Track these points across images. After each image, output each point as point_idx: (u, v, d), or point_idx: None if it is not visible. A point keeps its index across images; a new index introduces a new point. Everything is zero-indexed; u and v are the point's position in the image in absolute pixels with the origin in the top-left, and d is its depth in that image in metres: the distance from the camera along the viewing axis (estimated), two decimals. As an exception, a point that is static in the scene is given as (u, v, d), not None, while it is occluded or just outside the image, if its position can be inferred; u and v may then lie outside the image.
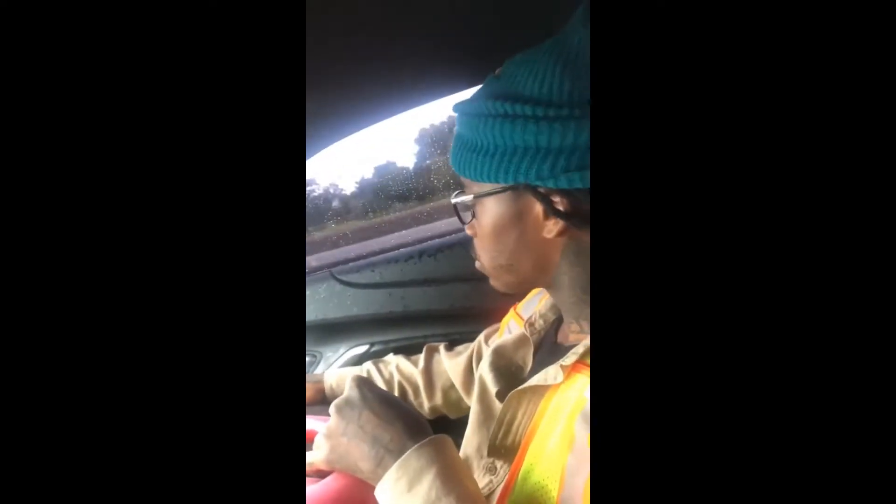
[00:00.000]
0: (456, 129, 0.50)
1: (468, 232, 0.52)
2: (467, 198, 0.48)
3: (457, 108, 0.49)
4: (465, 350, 0.73)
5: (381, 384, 0.74)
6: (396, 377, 0.74)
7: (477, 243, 0.51)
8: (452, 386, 0.72)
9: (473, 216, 0.49)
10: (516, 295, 0.65)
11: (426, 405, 0.73)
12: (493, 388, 0.55)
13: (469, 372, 0.70)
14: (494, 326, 0.69)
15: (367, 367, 0.76)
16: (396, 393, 0.73)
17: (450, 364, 0.72)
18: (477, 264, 0.53)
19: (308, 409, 0.65)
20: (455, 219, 0.52)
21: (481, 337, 0.71)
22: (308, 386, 0.74)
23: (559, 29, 0.45)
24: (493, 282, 0.52)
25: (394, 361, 0.76)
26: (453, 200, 0.50)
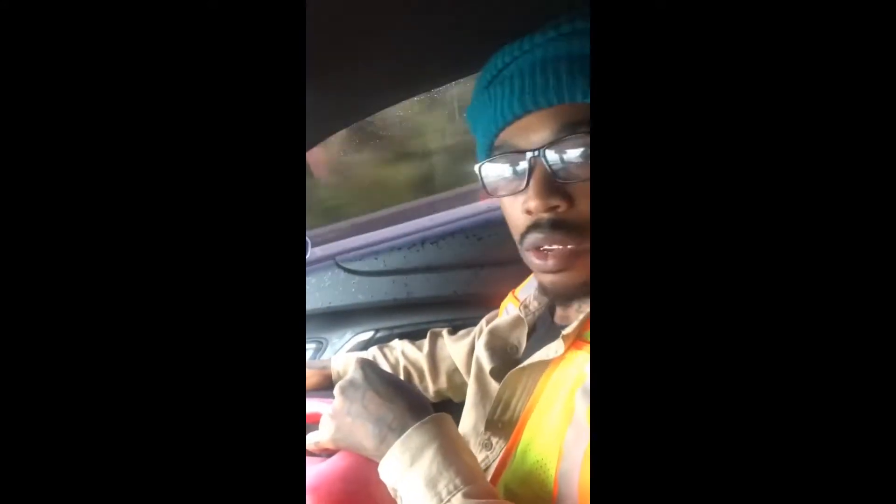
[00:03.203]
0: (578, 47, 0.40)
1: (541, 204, 0.41)
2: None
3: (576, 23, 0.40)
4: (467, 334, 0.74)
5: (387, 369, 0.76)
6: (402, 362, 0.76)
7: (584, 211, 0.41)
8: (456, 370, 0.73)
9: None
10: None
11: (431, 388, 0.74)
12: (487, 367, 0.56)
13: (471, 355, 0.71)
14: (495, 312, 0.70)
15: (373, 352, 0.78)
16: (402, 377, 0.74)
17: (453, 348, 0.73)
18: (551, 262, 0.42)
19: (316, 393, 0.67)
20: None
21: (483, 321, 0.72)
22: (315, 372, 0.75)
23: (559, 12, 0.44)
24: (577, 274, 0.43)
25: (399, 346, 0.78)
26: (584, 145, 0.39)
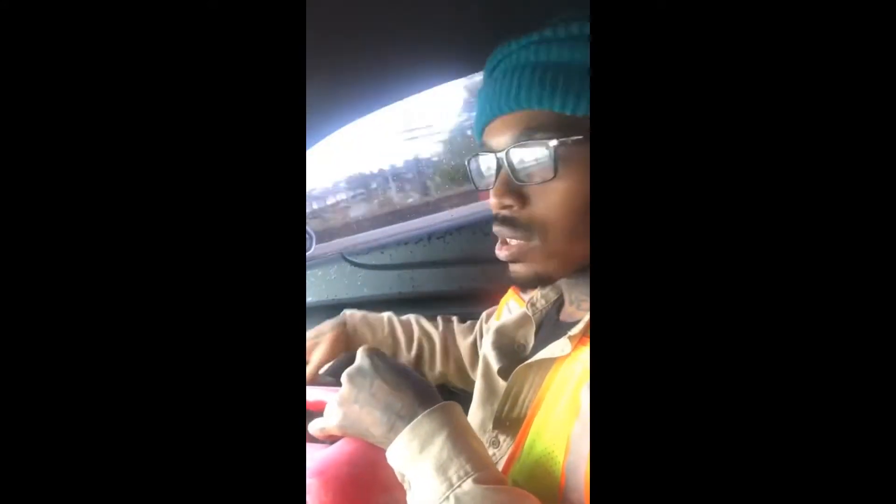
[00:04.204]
0: (543, 54, 0.43)
1: (497, 202, 0.45)
2: (553, 141, 0.41)
3: (561, 28, 0.43)
4: (470, 331, 0.74)
5: (400, 336, 0.72)
6: (416, 332, 0.73)
7: (535, 212, 0.44)
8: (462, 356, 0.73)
9: (543, 176, 0.42)
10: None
11: (438, 368, 0.72)
12: (495, 366, 0.55)
13: (474, 350, 0.71)
14: (494, 308, 0.69)
15: (388, 315, 0.75)
16: (414, 348, 0.72)
17: (460, 340, 0.73)
18: (505, 252, 0.46)
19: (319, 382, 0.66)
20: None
21: (483, 316, 0.72)
22: (330, 336, 0.69)
23: (555, 13, 0.44)
24: (540, 265, 0.45)
25: (413, 318, 0.75)
26: (551, 144, 0.41)
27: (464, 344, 0.72)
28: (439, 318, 0.76)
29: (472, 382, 0.65)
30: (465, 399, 0.59)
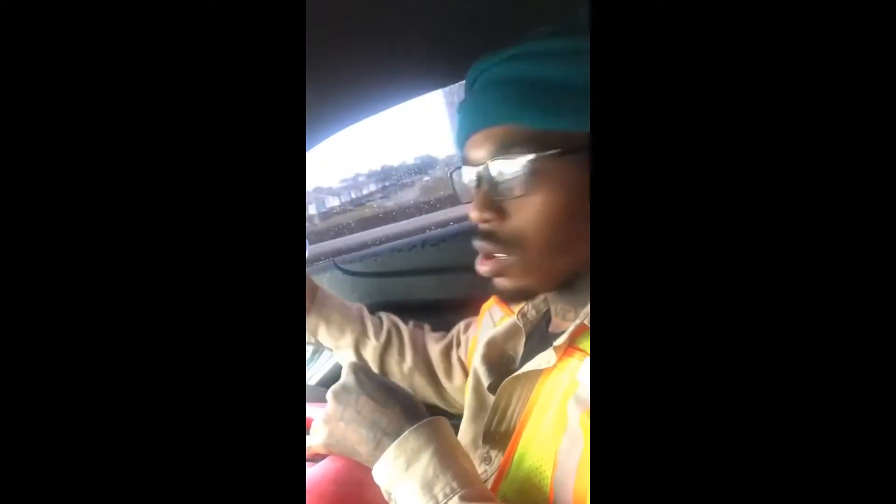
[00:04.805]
0: (518, 70, 0.43)
1: (478, 216, 0.45)
2: (529, 156, 0.41)
3: (536, 43, 0.43)
4: (442, 338, 0.71)
5: (368, 323, 0.70)
6: (386, 323, 0.71)
7: (514, 226, 0.44)
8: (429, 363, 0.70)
9: (519, 190, 0.42)
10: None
11: (408, 362, 0.69)
12: (485, 382, 0.55)
13: (446, 356, 0.69)
14: (473, 318, 0.68)
15: (359, 305, 0.73)
16: (383, 335, 0.69)
17: (430, 344, 0.70)
18: (486, 267, 0.46)
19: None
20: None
21: (461, 326, 0.70)
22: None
23: (555, 16, 0.44)
24: (522, 279, 0.45)
25: (383, 314, 0.73)
26: (524, 160, 0.41)
27: (434, 348, 0.69)
28: (410, 322, 0.74)
29: (444, 391, 0.65)
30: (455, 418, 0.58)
